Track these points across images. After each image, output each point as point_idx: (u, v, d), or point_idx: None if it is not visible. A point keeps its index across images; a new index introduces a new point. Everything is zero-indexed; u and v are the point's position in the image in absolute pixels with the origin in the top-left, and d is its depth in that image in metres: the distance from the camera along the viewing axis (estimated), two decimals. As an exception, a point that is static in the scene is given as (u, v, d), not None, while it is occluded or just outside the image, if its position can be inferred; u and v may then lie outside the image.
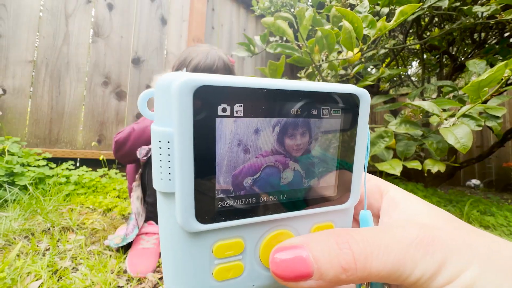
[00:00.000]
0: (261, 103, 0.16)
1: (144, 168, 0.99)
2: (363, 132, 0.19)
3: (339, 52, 1.17)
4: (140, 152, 0.92)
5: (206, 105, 0.14)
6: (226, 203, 0.16)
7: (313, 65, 1.13)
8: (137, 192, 1.00)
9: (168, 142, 0.15)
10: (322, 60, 1.12)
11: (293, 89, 0.16)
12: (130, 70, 1.89)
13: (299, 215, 0.18)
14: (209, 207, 0.16)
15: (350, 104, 0.18)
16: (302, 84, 0.17)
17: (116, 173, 1.71)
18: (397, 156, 1.08)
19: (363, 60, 1.62)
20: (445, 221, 0.17)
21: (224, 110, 0.15)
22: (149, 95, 0.17)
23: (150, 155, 0.93)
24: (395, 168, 0.94)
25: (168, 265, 0.17)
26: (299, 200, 0.18)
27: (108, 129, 1.80)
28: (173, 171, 0.15)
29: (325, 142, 0.18)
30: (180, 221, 0.15)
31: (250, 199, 0.17)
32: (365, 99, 0.19)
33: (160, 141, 0.15)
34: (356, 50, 0.97)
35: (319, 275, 0.15)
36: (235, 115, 0.15)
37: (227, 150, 0.15)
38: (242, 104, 0.15)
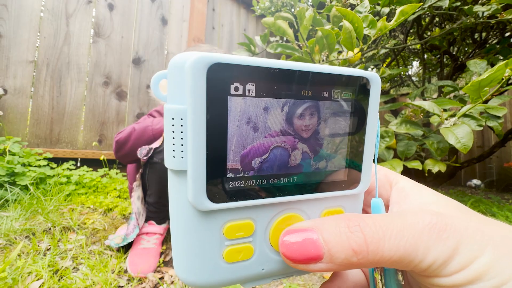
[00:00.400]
0: (273, 83, 0.16)
1: (145, 168, 0.99)
2: (374, 116, 0.19)
3: (340, 52, 1.17)
4: (141, 152, 0.93)
5: (219, 83, 0.14)
6: (237, 183, 0.16)
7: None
8: (137, 192, 1.00)
9: (181, 119, 0.15)
10: (323, 60, 1.11)
11: (305, 70, 0.16)
12: (130, 70, 1.89)
13: (309, 199, 0.18)
14: (220, 186, 0.16)
15: (361, 87, 0.18)
16: (314, 66, 0.17)
17: (116, 173, 1.71)
18: (398, 156, 1.08)
19: (363, 60, 1.62)
20: (457, 210, 0.17)
21: (236, 89, 0.15)
22: (163, 76, 0.17)
23: (151, 155, 0.93)
24: (396, 168, 0.94)
25: (177, 246, 0.17)
26: (309, 183, 0.18)
27: (109, 129, 1.80)
28: (186, 149, 0.15)
29: (335, 124, 0.18)
30: (192, 199, 0.15)
31: (260, 180, 0.17)
32: (376, 83, 0.18)
33: (173, 119, 0.15)
34: (356, 50, 0.97)
35: (329, 258, 0.14)
36: (247, 94, 0.15)
37: (236, 128, 0.15)
38: (254, 84, 0.15)
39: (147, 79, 1.96)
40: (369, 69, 1.82)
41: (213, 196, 0.15)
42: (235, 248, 0.17)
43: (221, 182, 0.16)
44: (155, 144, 0.94)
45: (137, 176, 1.01)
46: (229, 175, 0.16)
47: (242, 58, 0.15)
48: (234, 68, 0.15)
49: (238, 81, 0.15)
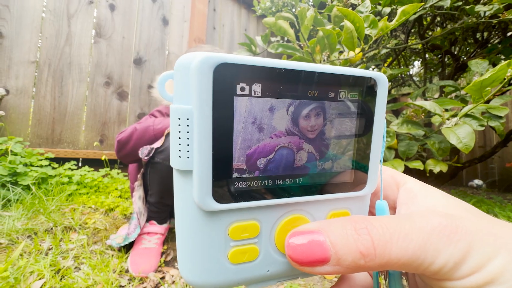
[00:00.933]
0: (280, 83, 0.16)
1: (146, 168, 0.99)
2: (381, 117, 0.19)
3: (341, 52, 1.17)
4: (142, 152, 0.93)
5: (226, 83, 0.15)
6: (242, 183, 0.16)
7: (315, 65, 1.13)
8: (139, 192, 1.01)
9: (188, 119, 0.15)
10: (324, 60, 1.11)
11: (312, 71, 0.16)
12: (132, 70, 1.89)
13: (314, 200, 0.18)
14: (225, 187, 0.16)
15: (368, 88, 0.18)
16: (321, 67, 0.17)
17: (118, 173, 1.71)
18: (399, 156, 1.08)
19: (364, 60, 1.62)
20: (467, 211, 0.16)
21: (242, 89, 0.15)
22: (169, 76, 0.17)
23: (152, 155, 0.94)
24: (397, 168, 0.94)
25: (182, 246, 0.17)
26: (314, 184, 0.18)
27: (110, 129, 1.81)
28: (192, 149, 0.15)
29: (341, 125, 0.18)
30: (197, 199, 0.15)
31: (265, 181, 0.17)
32: (383, 84, 0.18)
33: (179, 118, 0.15)
34: (357, 50, 0.97)
35: (336, 260, 0.14)
36: (253, 94, 0.15)
37: (241, 128, 0.15)
38: (260, 84, 0.15)
39: (148, 79, 1.96)
40: (370, 69, 1.82)
41: (218, 196, 0.15)
42: (240, 249, 0.17)
43: (226, 183, 0.16)
44: (157, 144, 0.94)
45: (139, 176, 1.01)
46: (235, 175, 0.16)
47: (248, 58, 0.15)
48: (240, 68, 0.15)
49: (244, 81, 0.15)
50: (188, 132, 0.15)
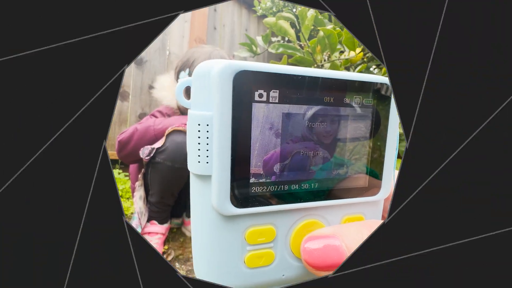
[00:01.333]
0: (296, 90, 0.16)
1: (147, 168, 1.00)
2: (394, 123, 0.19)
3: (341, 52, 1.17)
4: (143, 152, 0.93)
5: (244, 89, 0.15)
6: (259, 188, 0.16)
7: (315, 65, 1.13)
8: (140, 192, 1.01)
9: (207, 125, 0.15)
10: (324, 60, 1.12)
11: (328, 77, 0.17)
12: (132, 70, 1.90)
13: (329, 205, 0.18)
14: (243, 191, 0.16)
15: (383, 94, 0.18)
16: (336, 73, 0.17)
17: (119, 173, 1.72)
18: (399, 156, 1.08)
19: (365, 60, 1.62)
20: None
21: (260, 95, 0.15)
22: (187, 83, 0.17)
23: (153, 155, 0.94)
24: (397, 168, 0.94)
25: (199, 250, 0.17)
26: (329, 189, 0.18)
27: (111, 129, 1.81)
28: (211, 154, 0.15)
29: (356, 131, 0.18)
30: (216, 204, 0.15)
31: (281, 186, 0.17)
32: None
33: (199, 124, 0.15)
34: (358, 50, 0.97)
35: None
36: (270, 101, 0.16)
37: (259, 133, 0.16)
38: (277, 91, 0.16)
39: (149, 79, 1.96)
40: (371, 69, 1.82)
41: (236, 201, 0.16)
42: (256, 253, 0.17)
43: (244, 187, 0.16)
44: (157, 144, 0.94)
45: (139, 176, 1.01)
46: (252, 180, 0.16)
47: (266, 65, 0.15)
48: (258, 76, 0.15)
49: (262, 88, 0.15)
50: (207, 137, 0.15)
